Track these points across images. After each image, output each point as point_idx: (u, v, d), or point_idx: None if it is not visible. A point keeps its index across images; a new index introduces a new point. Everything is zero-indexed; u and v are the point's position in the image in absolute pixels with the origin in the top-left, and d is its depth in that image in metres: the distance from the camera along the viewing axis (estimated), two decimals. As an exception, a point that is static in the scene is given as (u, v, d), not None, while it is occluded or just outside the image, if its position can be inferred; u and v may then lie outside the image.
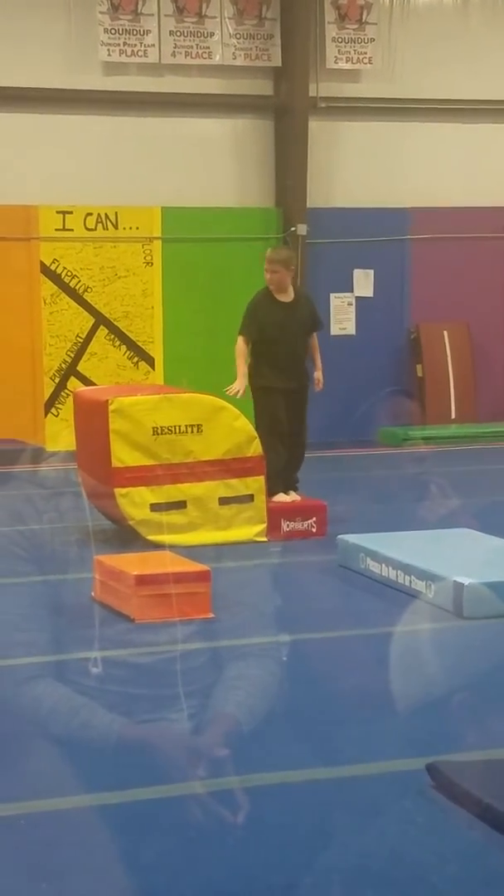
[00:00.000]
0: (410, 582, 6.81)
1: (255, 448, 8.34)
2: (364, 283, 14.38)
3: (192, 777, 3.39)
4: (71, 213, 13.43)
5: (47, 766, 3.94)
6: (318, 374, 9.22)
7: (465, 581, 6.37)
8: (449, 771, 4.08)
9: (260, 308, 8.97)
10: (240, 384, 8.74)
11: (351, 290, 14.36)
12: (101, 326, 13.65)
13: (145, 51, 13.56)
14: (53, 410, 13.53)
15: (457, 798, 3.96)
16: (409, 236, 14.46)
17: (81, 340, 13.61)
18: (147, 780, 3.83)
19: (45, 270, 13.45)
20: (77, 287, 13.55)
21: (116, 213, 13.56)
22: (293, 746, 4.34)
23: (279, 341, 8.88)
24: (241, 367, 8.85)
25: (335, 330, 14.31)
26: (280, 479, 8.76)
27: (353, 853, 3.59)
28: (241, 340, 8.95)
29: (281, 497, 8.77)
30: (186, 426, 8.20)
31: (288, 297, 9.02)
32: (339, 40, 14.12)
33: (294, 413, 8.95)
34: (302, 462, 9.12)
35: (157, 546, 7.65)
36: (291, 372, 8.94)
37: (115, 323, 13.68)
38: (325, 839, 3.65)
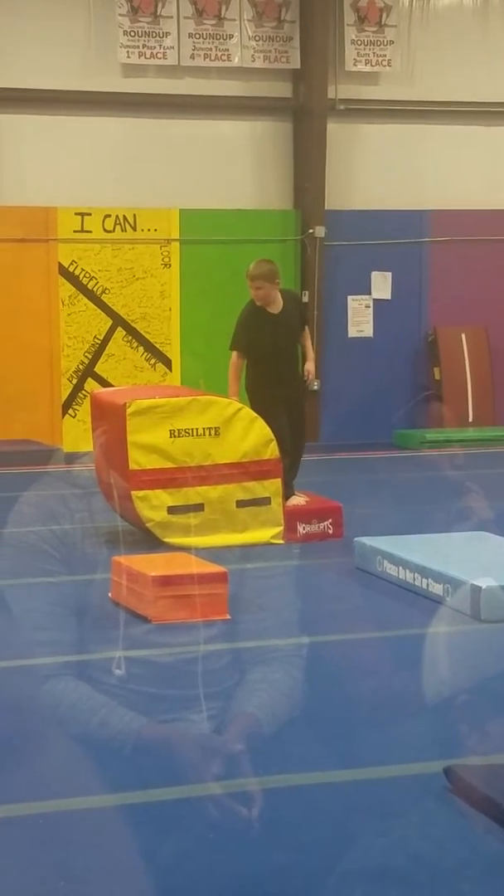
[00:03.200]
0: (428, 585, 6.80)
1: (273, 451, 8.33)
2: (382, 285, 14.37)
3: (211, 778, 3.39)
4: (89, 214, 13.46)
5: (65, 766, 3.95)
6: (308, 365, 9.18)
7: (483, 584, 6.35)
8: (467, 774, 4.08)
9: (250, 323, 8.92)
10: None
11: (369, 292, 14.36)
12: (119, 328, 13.68)
13: (164, 53, 13.58)
14: (70, 411, 13.56)
15: (474, 802, 3.95)
16: (427, 239, 14.45)
17: (99, 342, 13.64)
18: (166, 780, 3.83)
19: (64, 272, 13.48)
20: (95, 288, 13.58)
21: (134, 214, 13.58)
22: (311, 748, 4.33)
23: (274, 352, 8.86)
24: (234, 386, 8.84)
25: (353, 332, 14.31)
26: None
27: (370, 856, 3.59)
28: (234, 356, 8.94)
29: (295, 500, 8.76)
30: (204, 429, 8.19)
31: (276, 308, 8.93)
32: (358, 42, 14.12)
33: (292, 421, 8.91)
34: (297, 469, 9.07)
35: (175, 548, 7.65)
36: (288, 379, 8.95)
37: (133, 324, 13.70)
38: (344, 841, 3.65)
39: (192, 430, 8.17)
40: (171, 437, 8.11)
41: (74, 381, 13.58)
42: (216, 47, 13.73)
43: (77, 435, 12.99)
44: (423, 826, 3.83)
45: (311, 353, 9.25)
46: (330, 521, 8.65)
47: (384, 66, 14.26)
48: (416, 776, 4.21)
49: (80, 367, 13.60)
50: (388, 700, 4.80)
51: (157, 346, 13.80)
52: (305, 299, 13.37)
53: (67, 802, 3.92)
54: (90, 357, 13.62)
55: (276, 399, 8.80)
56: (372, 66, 14.23)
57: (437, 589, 6.70)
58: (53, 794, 3.94)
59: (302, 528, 8.56)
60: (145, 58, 13.57)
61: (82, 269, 13.53)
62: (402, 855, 3.63)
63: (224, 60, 13.78)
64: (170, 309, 13.80)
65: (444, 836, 3.79)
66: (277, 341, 8.86)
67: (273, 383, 8.85)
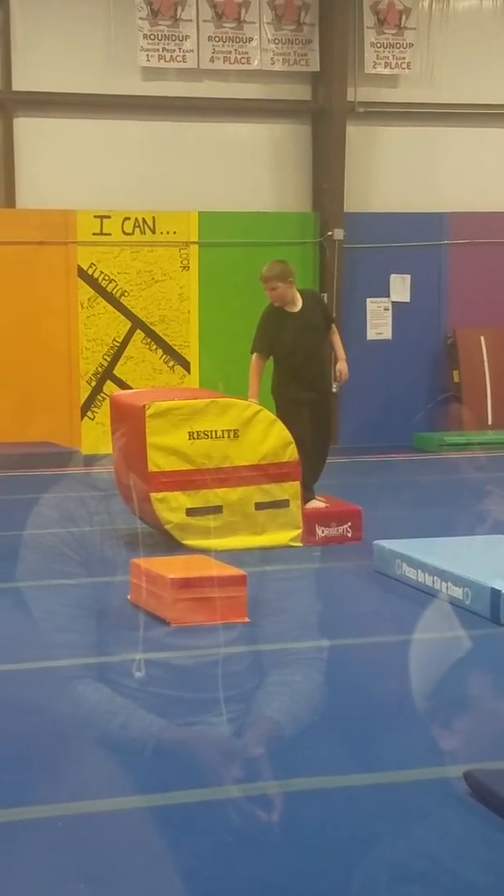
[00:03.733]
0: (447, 588, 6.79)
1: (291, 453, 8.32)
2: (401, 287, 14.36)
3: (231, 781, 3.40)
4: (109, 217, 13.49)
5: (86, 768, 3.96)
6: (340, 366, 9.12)
7: (503, 588, 6.34)
8: (487, 779, 4.07)
9: (270, 323, 8.88)
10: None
11: (388, 294, 14.35)
12: (138, 330, 13.70)
13: (184, 56, 13.60)
14: (89, 414, 13.58)
15: (495, 806, 3.94)
16: (446, 241, 14.43)
17: (118, 344, 13.67)
18: (187, 783, 3.84)
19: (83, 274, 13.51)
20: (114, 291, 13.60)
21: (154, 217, 13.60)
22: (332, 751, 4.33)
23: (296, 352, 8.81)
24: (254, 387, 8.81)
25: (371, 335, 14.30)
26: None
27: (391, 860, 3.58)
28: (255, 358, 8.92)
29: (314, 504, 8.74)
30: (223, 431, 8.20)
31: (296, 306, 8.89)
32: (378, 45, 14.12)
33: (317, 423, 8.87)
34: (321, 472, 9.04)
35: (194, 550, 7.65)
36: (314, 380, 8.87)
37: (152, 327, 13.72)
38: (364, 845, 3.64)
39: (211, 432, 8.17)
40: (189, 439, 8.12)
41: (93, 384, 13.61)
42: (236, 50, 13.75)
43: (96, 437, 13.00)
44: (444, 830, 3.82)
45: (341, 353, 9.14)
46: (349, 524, 8.63)
47: (403, 68, 14.26)
48: (437, 780, 4.20)
49: (99, 369, 13.63)
50: (408, 704, 4.79)
51: (176, 348, 13.82)
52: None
53: (88, 805, 3.93)
54: (109, 359, 13.64)
55: (299, 402, 8.78)
56: (391, 68, 14.23)
57: (456, 592, 6.69)
58: (74, 796, 3.95)
59: (321, 531, 8.55)
60: (165, 61, 13.60)
61: (101, 272, 13.56)
62: (422, 859, 3.62)
63: (243, 63, 13.79)
64: (188, 311, 13.82)
65: (464, 841, 3.78)
66: (300, 340, 8.83)
67: (298, 385, 8.81)
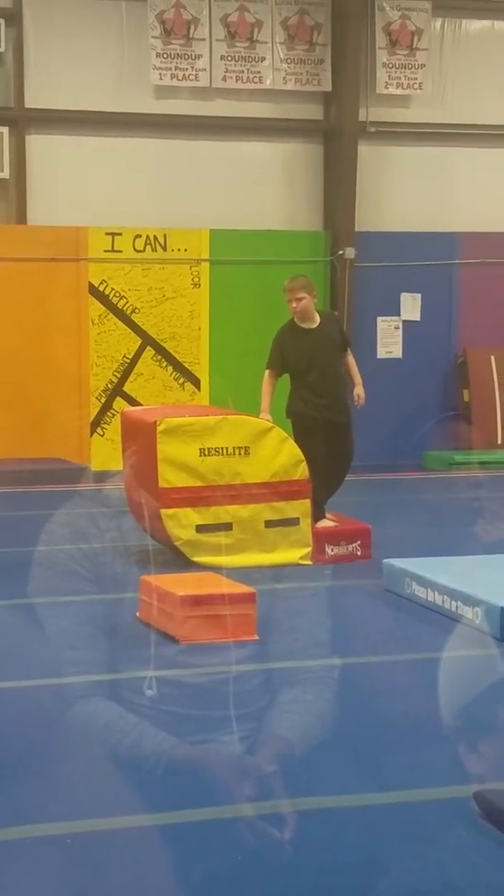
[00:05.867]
0: (457, 607, 6.77)
1: (302, 471, 8.32)
2: (411, 306, 14.36)
3: (241, 800, 3.38)
4: (120, 234, 13.52)
5: (96, 786, 3.95)
6: (357, 390, 9.12)
7: (513, 607, 6.32)
8: (496, 799, 4.04)
9: (286, 340, 8.88)
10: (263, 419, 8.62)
11: (398, 313, 14.35)
12: (148, 347, 13.72)
13: (196, 75, 13.65)
14: (99, 430, 13.59)
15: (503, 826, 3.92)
16: (457, 261, 14.43)
17: (128, 361, 13.68)
18: (196, 801, 3.82)
19: (94, 291, 13.54)
20: (125, 308, 13.63)
21: (165, 234, 13.63)
22: (342, 770, 4.32)
23: (311, 370, 8.79)
24: (265, 402, 8.79)
25: (382, 353, 14.30)
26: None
27: (401, 880, 3.56)
28: (267, 374, 8.92)
29: (324, 522, 8.71)
30: (234, 448, 8.20)
31: (313, 322, 8.89)
32: (390, 66, 14.16)
33: (334, 443, 8.84)
34: (336, 490, 9.00)
35: (204, 567, 7.65)
36: (330, 399, 8.81)
37: (162, 344, 13.74)
38: (374, 865, 3.63)
39: (222, 448, 8.17)
40: (200, 455, 8.12)
41: (103, 400, 13.62)
42: (248, 69, 13.79)
43: (106, 454, 13.01)
44: (454, 850, 3.81)
45: (358, 378, 9.13)
46: (359, 542, 8.63)
47: (415, 88, 14.29)
48: (447, 800, 4.19)
49: (109, 386, 13.64)
50: (418, 723, 4.77)
51: (186, 365, 13.83)
52: (336, 320, 13.37)
53: (97, 822, 3.91)
54: (119, 376, 13.66)
55: (315, 420, 8.73)
56: (403, 88, 14.26)
57: (465, 611, 6.67)
58: (83, 813, 3.94)
59: (330, 550, 8.54)
60: (178, 80, 13.65)
61: (112, 289, 13.58)
62: (432, 879, 3.60)
63: (256, 83, 13.84)
64: (199, 329, 13.83)
65: (474, 861, 3.76)
66: (316, 357, 8.80)
67: (314, 404, 8.78)
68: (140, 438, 8.38)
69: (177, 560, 7.85)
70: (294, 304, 8.83)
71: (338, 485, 8.96)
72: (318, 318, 8.95)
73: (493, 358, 14.48)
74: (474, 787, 4.10)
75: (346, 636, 6.11)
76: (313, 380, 8.81)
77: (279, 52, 13.87)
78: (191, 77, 13.66)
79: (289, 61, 13.90)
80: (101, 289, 13.56)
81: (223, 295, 13.77)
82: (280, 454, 8.29)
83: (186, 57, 13.61)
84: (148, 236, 13.61)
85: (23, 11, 13.35)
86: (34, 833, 3.90)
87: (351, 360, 9.16)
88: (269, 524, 8.23)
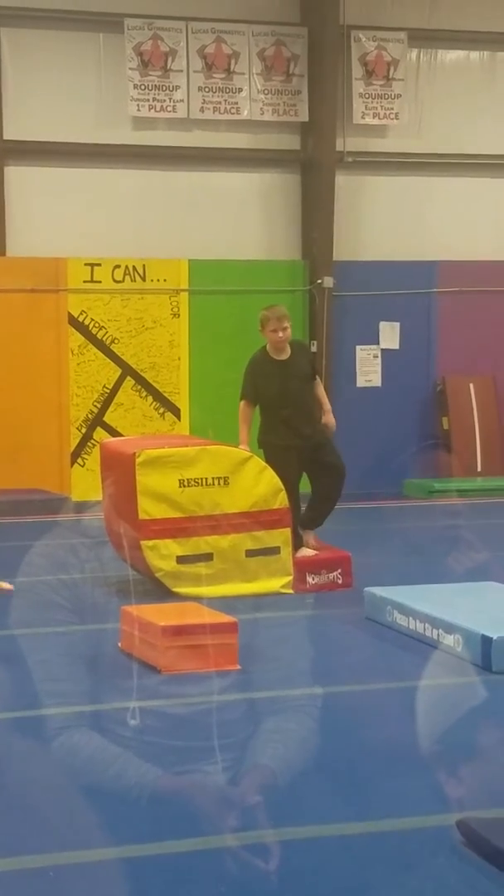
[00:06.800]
0: (438, 635, 6.78)
1: (282, 500, 8.32)
2: (390, 335, 14.42)
3: (224, 830, 3.38)
4: (99, 265, 13.55)
5: (78, 818, 3.93)
6: (326, 418, 9.05)
7: (494, 635, 6.33)
8: (479, 827, 4.04)
9: (257, 371, 8.88)
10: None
11: (377, 342, 14.41)
12: (128, 377, 13.73)
13: (174, 106, 13.73)
14: (79, 461, 13.58)
15: (487, 855, 3.92)
16: (435, 289, 14.52)
17: (108, 391, 13.69)
18: (179, 832, 3.81)
19: (73, 321, 13.56)
20: (104, 338, 13.65)
21: (144, 265, 13.67)
22: (325, 800, 4.31)
23: (284, 399, 8.79)
24: (244, 433, 8.79)
25: (361, 382, 14.35)
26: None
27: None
28: (243, 405, 8.92)
29: (304, 551, 8.70)
30: (213, 478, 8.20)
31: (285, 354, 8.89)
32: (366, 96, 14.27)
33: (316, 467, 8.83)
34: (328, 513, 9.00)
35: (185, 597, 7.63)
36: (301, 427, 8.80)
37: (142, 374, 13.75)
38: (358, 894, 3.62)
39: (202, 479, 8.17)
40: (180, 486, 8.12)
41: (83, 431, 13.62)
42: (225, 100, 13.88)
43: (86, 484, 13.00)
44: (437, 879, 3.80)
45: (327, 406, 9.13)
46: (339, 570, 8.62)
47: (392, 119, 14.39)
48: (430, 828, 4.18)
49: (90, 416, 13.65)
50: (400, 751, 4.77)
51: (166, 395, 13.84)
52: (314, 349, 13.41)
53: (79, 854, 3.90)
54: (99, 406, 13.66)
55: (287, 448, 8.76)
56: (380, 118, 14.36)
57: (447, 639, 6.67)
58: (66, 845, 3.92)
59: (311, 579, 8.54)
60: (155, 111, 13.72)
61: (92, 319, 13.60)
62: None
63: (233, 113, 13.93)
64: (179, 358, 13.86)
65: (457, 890, 3.76)
66: (287, 388, 8.83)
67: (284, 432, 8.81)
68: (119, 470, 8.38)
69: (158, 590, 7.84)
70: (280, 334, 8.80)
71: (337, 496, 8.90)
72: (289, 351, 8.95)
73: (471, 385, 14.55)
74: (457, 816, 4.11)
75: (328, 665, 6.11)
76: (287, 413, 8.80)
77: (256, 83, 13.97)
78: (168, 108, 13.74)
79: (266, 92, 14.00)
80: (80, 319, 13.58)
81: (203, 325, 13.80)
82: (259, 483, 8.30)
83: (164, 88, 13.69)
84: (127, 267, 13.65)
85: (1, 43, 13.42)
86: (16, 865, 3.88)
87: (320, 389, 9.19)
88: (250, 553, 8.22)
